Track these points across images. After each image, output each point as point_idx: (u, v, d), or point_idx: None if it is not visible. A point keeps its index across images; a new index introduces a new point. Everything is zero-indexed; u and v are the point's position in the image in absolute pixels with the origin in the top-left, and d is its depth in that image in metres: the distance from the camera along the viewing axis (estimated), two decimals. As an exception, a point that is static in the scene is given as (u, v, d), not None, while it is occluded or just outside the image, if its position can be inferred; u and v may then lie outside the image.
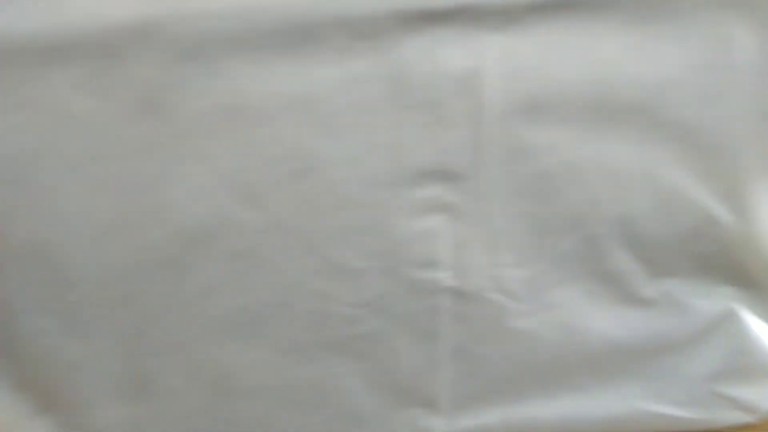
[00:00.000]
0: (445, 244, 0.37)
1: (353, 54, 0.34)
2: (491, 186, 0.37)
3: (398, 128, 0.35)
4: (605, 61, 0.35)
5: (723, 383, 0.43)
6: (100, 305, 0.38)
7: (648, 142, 0.37)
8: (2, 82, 0.34)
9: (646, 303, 0.41)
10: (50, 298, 0.38)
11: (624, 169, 0.37)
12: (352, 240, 0.36)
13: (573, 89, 0.35)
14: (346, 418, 0.41)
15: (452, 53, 0.34)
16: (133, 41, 0.33)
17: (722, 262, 0.41)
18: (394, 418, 0.41)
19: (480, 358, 0.40)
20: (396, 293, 0.38)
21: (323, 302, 0.37)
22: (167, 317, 0.38)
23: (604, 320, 0.41)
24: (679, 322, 0.42)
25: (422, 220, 0.37)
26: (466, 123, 0.36)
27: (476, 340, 0.40)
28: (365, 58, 0.34)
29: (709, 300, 0.42)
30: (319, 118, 0.34)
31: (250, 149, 0.35)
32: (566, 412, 0.42)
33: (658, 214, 0.38)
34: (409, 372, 0.40)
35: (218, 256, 0.36)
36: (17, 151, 0.35)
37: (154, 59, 0.33)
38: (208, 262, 0.36)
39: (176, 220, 0.36)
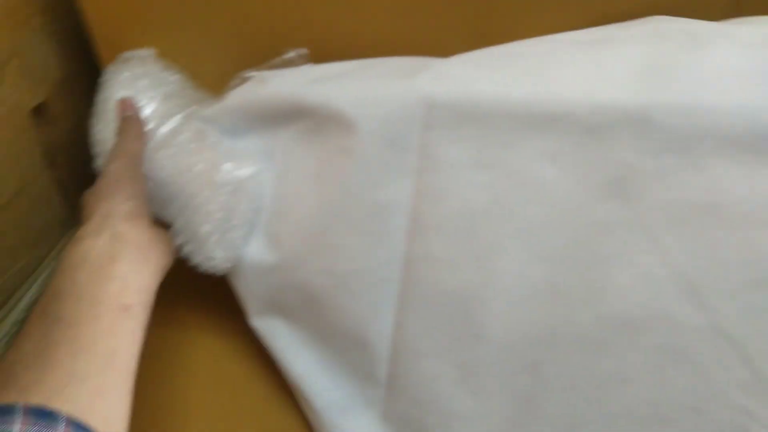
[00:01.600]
0: None
1: None
2: None
3: None
4: None
5: None
6: (502, 366, 0.38)
7: None
8: (478, 141, 0.36)
9: None
10: (455, 348, 0.39)
11: None
12: (795, 361, 0.34)
13: None
14: None
15: None
16: (621, 123, 0.33)
17: None
18: None
19: None
20: (829, 428, 0.35)
21: (740, 418, 0.35)
22: (568, 394, 0.37)
23: None
24: None
25: None
26: None
27: None
28: None
29: None
30: (799, 232, 0.33)
31: (711, 250, 0.34)
32: None
33: None
34: None
35: (646, 346, 0.35)
36: (467, 205, 0.37)
37: (639, 145, 0.33)
38: (631, 350, 0.36)
39: (611, 303, 0.35)
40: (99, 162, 0.46)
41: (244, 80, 0.43)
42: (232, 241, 0.41)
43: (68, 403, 0.28)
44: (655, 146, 0.33)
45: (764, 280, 0.33)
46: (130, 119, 0.43)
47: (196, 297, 0.52)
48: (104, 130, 0.45)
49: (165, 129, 0.43)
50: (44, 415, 0.27)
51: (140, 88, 0.46)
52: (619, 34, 0.37)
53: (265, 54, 0.45)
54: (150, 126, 0.44)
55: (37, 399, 0.28)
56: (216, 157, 0.40)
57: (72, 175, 0.57)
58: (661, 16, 0.38)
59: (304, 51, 0.44)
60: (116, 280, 0.34)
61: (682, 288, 0.34)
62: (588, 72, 0.34)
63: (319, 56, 0.44)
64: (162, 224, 0.41)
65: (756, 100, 0.32)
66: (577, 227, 0.35)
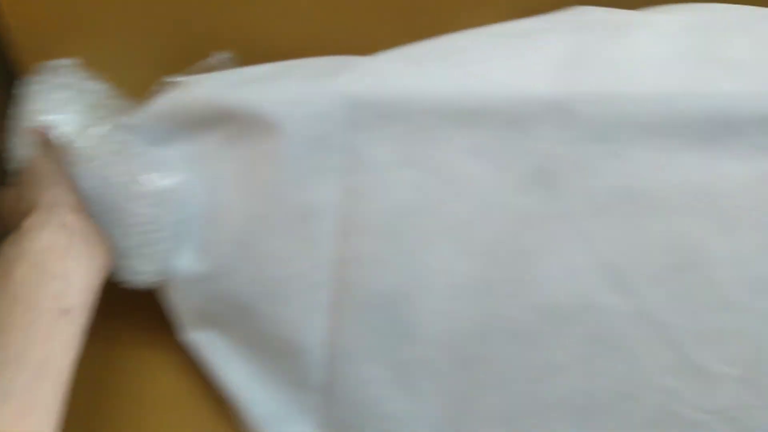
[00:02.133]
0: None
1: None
2: None
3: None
4: None
5: None
6: (436, 364, 0.38)
7: None
8: (403, 139, 0.35)
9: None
10: (387, 349, 0.38)
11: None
12: (719, 343, 0.34)
13: None
14: None
15: None
16: (541, 114, 0.34)
17: None
18: None
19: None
20: (754, 405, 0.35)
21: (670, 401, 0.36)
22: (504, 387, 0.37)
23: None
24: None
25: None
26: None
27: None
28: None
29: None
30: (717, 214, 0.33)
31: (634, 236, 0.34)
32: None
33: None
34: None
35: (575, 336, 0.35)
36: (395, 204, 0.36)
37: (560, 135, 0.34)
38: (562, 340, 0.36)
39: (539, 294, 0.35)
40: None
41: (168, 86, 0.42)
42: (159, 254, 0.39)
43: None
44: (577, 136, 0.33)
45: (685, 264, 0.34)
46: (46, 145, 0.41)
47: (128, 311, 0.50)
48: (21, 146, 0.43)
49: (87, 142, 0.41)
50: None
51: (61, 101, 0.44)
52: (541, 25, 0.38)
53: (191, 59, 0.44)
54: (72, 140, 0.43)
55: None
56: (138, 167, 0.38)
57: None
58: (583, 7, 0.38)
59: (229, 54, 0.43)
60: (57, 279, 0.32)
61: (608, 276, 0.35)
62: (510, 64, 0.35)
63: (247, 59, 0.44)
64: None
65: (673, 86, 0.33)
66: (504, 220, 0.35)
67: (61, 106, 0.44)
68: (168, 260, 0.40)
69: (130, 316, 0.50)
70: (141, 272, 0.40)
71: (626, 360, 0.35)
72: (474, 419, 0.38)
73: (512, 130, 0.34)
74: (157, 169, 0.39)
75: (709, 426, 0.36)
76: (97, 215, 0.39)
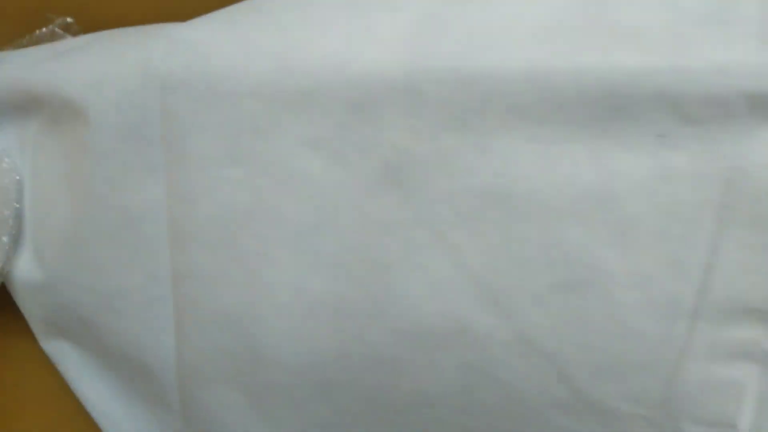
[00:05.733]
0: (749, 403, 0.28)
1: (673, 143, 0.25)
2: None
3: (715, 248, 0.26)
4: None
5: None
6: (293, 390, 0.32)
7: None
8: (228, 129, 0.29)
9: None
10: (239, 372, 0.33)
11: None
12: (620, 376, 0.28)
13: None
14: None
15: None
16: (385, 99, 0.26)
17: None
18: None
19: None
20: (666, 451, 0.28)
21: (564, 442, 0.29)
22: (366, 420, 0.32)
23: None
24: None
25: (725, 368, 0.27)
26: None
27: None
28: (688, 150, 0.25)
29: None
30: (611, 222, 0.26)
31: (510, 247, 0.27)
32: None
33: None
34: None
35: (446, 363, 0.29)
36: (226, 209, 0.30)
37: (410, 124, 0.26)
38: (432, 367, 0.29)
39: (402, 314, 0.29)
40: None
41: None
42: None
43: None
44: (431, 124, 0.26)
45: (573, 282, 0.27)
46: None
47: None
48: None
49: None
50: None
51: None
52: None
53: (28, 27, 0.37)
54: None
55: None
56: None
57: None
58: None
59: (66, 20, 0.36)
60: None
61: (481, 294, 0.28)
62: (349, 29, 0.27)
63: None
64: None
65: (550, 60, 0.25)
66: (354, 228, 0.28)
67: None
68: (7, 260, 0.35)
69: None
70: None
71: (507, 393, 0.29)
72: (339, 450, 0.32)
73: (354, 118, 0.27)
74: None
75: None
76: None
